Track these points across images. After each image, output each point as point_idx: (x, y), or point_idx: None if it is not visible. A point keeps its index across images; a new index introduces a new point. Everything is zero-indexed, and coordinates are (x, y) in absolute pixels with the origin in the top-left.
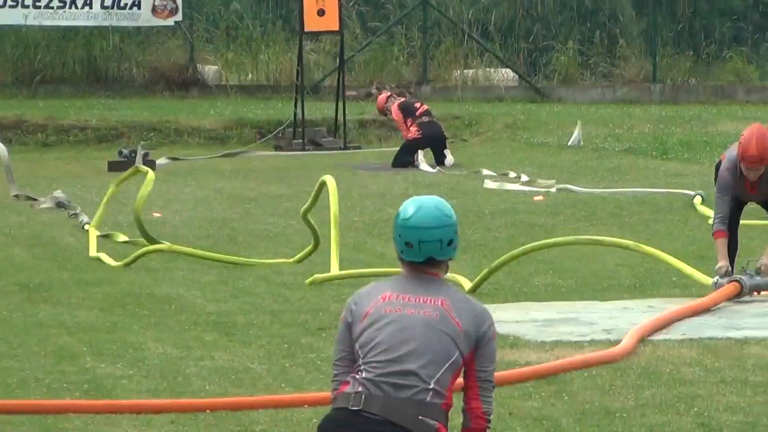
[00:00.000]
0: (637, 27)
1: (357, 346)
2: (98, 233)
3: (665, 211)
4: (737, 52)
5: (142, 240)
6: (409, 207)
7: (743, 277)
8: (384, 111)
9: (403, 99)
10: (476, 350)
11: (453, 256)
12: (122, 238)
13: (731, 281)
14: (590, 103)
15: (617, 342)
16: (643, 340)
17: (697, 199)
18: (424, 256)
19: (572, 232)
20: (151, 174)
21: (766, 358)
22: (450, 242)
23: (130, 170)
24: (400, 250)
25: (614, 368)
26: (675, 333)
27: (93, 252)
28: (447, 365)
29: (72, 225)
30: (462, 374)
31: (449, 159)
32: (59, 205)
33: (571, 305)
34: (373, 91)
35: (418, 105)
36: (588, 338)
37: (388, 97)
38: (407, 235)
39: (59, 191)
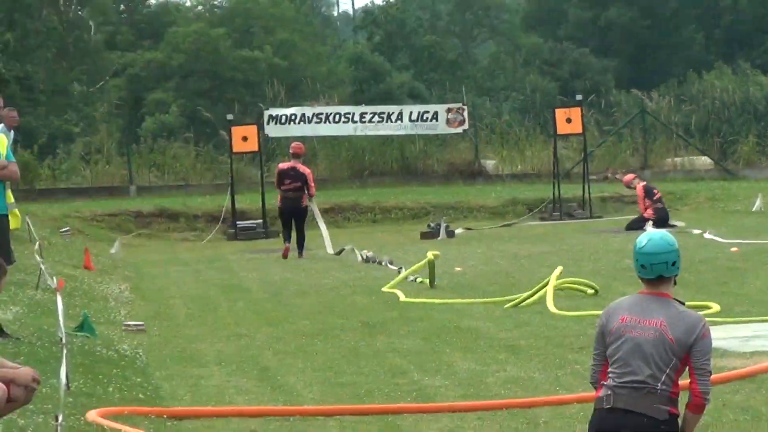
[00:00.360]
0: None
1: (607, 354)
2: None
3: None
4: None
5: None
6: (643, 239)
7: None
8: (629, 185)
9: (645, 183)
10: (691, 349)
11: (677, 273)
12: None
13: None
14: (767, 179)
15: None
16: None
17: None
18: (656, 274)
19: (760, 272)
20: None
21: None
22: (674, 263)
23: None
24: (638, 271)
25: None
26: None
27: (402, 297)
28: (668, 369)
29: (392, 277)
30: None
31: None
32: (369, 260)
33: (764, 326)
34: (609, 175)
35: (656, 191)
36: None
37: (635, 177)
38: (642, 260)
39: (368, 251)
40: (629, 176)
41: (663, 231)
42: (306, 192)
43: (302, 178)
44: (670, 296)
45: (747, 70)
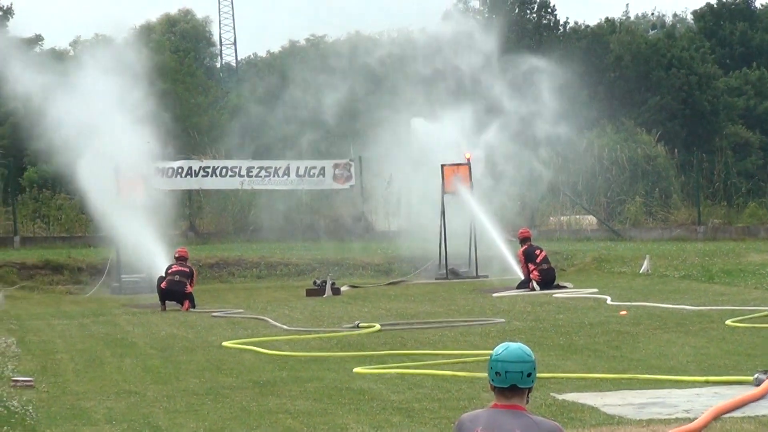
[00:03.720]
0: (685, 185)
1: None
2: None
3: (718, 322)
4: (759, 202)
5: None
6: (500, 347)
7: None
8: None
9: (526, 246)
10: None
11: (531, 385)
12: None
13: None
14: (653, 240)
15: (695, 419)
16: (715, 418)
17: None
18: (509, 383)
19: (651, 336)
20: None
21: None
22: (529, 375)
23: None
24: (491, 379)
25: None
26: (737, 413)
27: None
28: None
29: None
30: None
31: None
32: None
33: (658, 392)
34: None
35: (538, 252)
36: (673, 417)
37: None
38: (497, 367)
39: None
40: (525, 230)
41: (520, 343)
42: (189, 283)
43: (189, 270)
44: (524, 409)
45: (630, 128)
